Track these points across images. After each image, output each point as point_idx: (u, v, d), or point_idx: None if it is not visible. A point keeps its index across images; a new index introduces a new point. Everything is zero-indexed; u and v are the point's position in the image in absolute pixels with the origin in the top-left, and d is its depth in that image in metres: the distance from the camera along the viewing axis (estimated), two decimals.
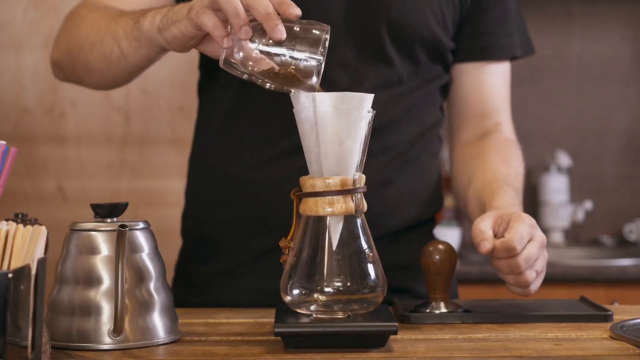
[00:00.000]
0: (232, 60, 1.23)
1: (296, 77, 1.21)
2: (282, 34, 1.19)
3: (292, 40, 1.21)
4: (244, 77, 1.24)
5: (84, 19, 1.51)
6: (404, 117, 1.55)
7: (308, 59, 1.20)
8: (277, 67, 1.21)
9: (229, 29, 1.23)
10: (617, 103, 3.26)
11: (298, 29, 1.21)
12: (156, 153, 2.68)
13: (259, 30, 1.21)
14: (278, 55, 1.21)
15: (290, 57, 1.21)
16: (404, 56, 1.53)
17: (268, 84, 1.23)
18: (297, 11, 1.21)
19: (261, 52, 1.21)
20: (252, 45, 1.22)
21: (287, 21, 1.21)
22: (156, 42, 1.36)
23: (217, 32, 1.22)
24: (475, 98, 1.63)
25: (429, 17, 1.52)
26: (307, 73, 1.20)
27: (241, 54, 1.22)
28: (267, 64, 1.21)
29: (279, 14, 1.20)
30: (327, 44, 1.21)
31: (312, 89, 1.21)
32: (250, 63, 1.22)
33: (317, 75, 1.20)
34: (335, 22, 1.48)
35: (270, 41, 1.21)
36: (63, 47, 1.54)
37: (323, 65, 1.21)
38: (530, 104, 3.22)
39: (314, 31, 1.22)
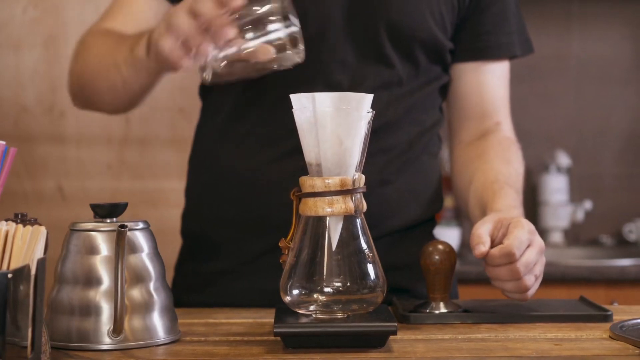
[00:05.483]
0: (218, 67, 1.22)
1: (284, 49, 1.20)
2: (227, 34, 1.17)
3: (258, 24, 1.19)
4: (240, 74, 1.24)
5: (89, 50, 1.54)
6: (403, 117, 1.55)
7: (282, 28, 1.19)
8: (271, 51, 1.19)
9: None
10: (617, 103, 3.26)
11: (255, 14, 1.19)
12: (156, 153, 2.68)
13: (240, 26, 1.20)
14: (253, 40, 1.20)
15: (270, 38, 1.20)
16: (404, 57, 1.53)
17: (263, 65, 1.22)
18: (238, 4, 1.18)
19: (241, 51, 1.20)
20: (231, 50, 1.20)
21: (243, 12, 1.19)
22: (152, 68, 1.37)
23: (174, 55, 1.21)
24: (475, 98, 1.63)
25: (428, 18, 1.52)
26: (294, 40, 1.20)
27: (222, 61, 1.21)
28: (264, 51, 1.20)
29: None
30: (285, 5, 1.19)
31: (300, 55, 1.20)
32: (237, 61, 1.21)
33: (301, 40, 1.19)
34: (335, 23, 1.49)
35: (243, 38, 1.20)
36: (75, 77, 1.58)
37: (298, 28, 1.19)
38: (529, 103, 3.21)
39: (266, 6, 1.20)
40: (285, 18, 1.19)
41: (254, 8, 1.20)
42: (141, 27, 1.50)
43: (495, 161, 1.55)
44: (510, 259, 1.27)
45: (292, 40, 1.19)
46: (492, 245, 1.30)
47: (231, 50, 1.20)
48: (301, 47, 1.20)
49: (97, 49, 1.52)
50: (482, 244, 1.28)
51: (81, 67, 1.56)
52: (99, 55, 1.51)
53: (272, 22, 1.19)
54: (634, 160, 3.26)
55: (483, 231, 1.30)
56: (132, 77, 1.44)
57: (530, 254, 1.29)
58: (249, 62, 1.21)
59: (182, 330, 1.24)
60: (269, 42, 1.19)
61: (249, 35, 1.19)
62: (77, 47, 1.58)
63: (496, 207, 1.41)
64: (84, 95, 1.59)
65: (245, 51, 1.20)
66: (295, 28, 1.19)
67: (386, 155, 1.53)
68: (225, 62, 1.21)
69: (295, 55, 1.20)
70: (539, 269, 1.32)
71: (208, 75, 1.23)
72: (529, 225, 1.31)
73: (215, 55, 1.20)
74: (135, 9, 1.56)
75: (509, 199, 1.44)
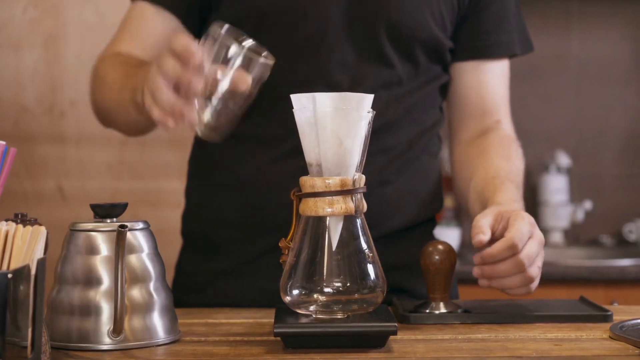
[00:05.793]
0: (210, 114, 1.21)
1: (254, 63, 1.19)
2: (197, 85, 1.15)
3: (219, 61, 1.18)
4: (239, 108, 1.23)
5: (103, 82, 1.54)
6: (403, 117, 1.55)
7: (240, 50, 1.18)
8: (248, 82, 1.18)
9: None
10: (617, 103, 3.26)
11: (213, 53, 1.18)
12: (156, 153, 2.68)
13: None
14: (229, 73, 1.19)
15: (236, 65, 1.18)
16: (404, 57, 1.53)
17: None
18: (198, 58, 1.14)
19: (222, 97, 1.19)
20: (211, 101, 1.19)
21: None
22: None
23: (164, 122, 1.18)
24: (475, 97, 1.63)
25: (428, 18, 1.52)
26: (255, 51, 1.19)
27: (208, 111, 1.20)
28: (242, 80, 1.19)
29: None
30: (226, 31, 1.18)
31: (268, 57, 1.19)
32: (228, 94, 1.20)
33: (259, 45, 1.19)
34: (335, 23, 1.49)
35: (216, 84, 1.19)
36: (93, 105, 1.60)
37: (250, 38, 1.19)
38: (529, 103, 3.21)
39: (222, 37, 1.18)
40: (236, 39, 1.18)
41: (210, 51, 1.18)
42: (151, 46, 1.51)
43: (496, 158, 1.55)
44: (513, 250, 1.27)
45: (254, 51, 1.19)
46: (492, 239, 1.30)
47: (214, 103, 1.19)
48: (263, 51, 1.20)
49: (109, 83, 1.52)
50: (482, 234, 1.28)
51: (96, 99, 1.58)
52: (110, 90, 1.51)
53: (228, 50, 1.18)
54: (634, 160, 3.26)
55: (484, 223, 1.31)
56: (139, 116, 1.43)
57: (532, 245, 1.29)
58: (235, 97, 1.20)
59: (182, 330, 1.24)
60: (240, 68, 1.18)
61: (218, 75, 1.18)
62: (93, 75, 1.58)
63: (497, 200, 1.41)
64: (104, 121, 1.61)
65: (225, 92, 1.18)
66: (248, 40, 1.19)
67: (386, 155, 1.53)
68: (212, 114, 1.20)
69: (266, 60, 1.20)
70: (540, 261, 1.32)
71: (211, 134, 1.21)
72: (529, 218, 1.31)
73: (201, 113, 1.19)
74: (144, 30, 1.56)
75: (510, 193, 1.44)
